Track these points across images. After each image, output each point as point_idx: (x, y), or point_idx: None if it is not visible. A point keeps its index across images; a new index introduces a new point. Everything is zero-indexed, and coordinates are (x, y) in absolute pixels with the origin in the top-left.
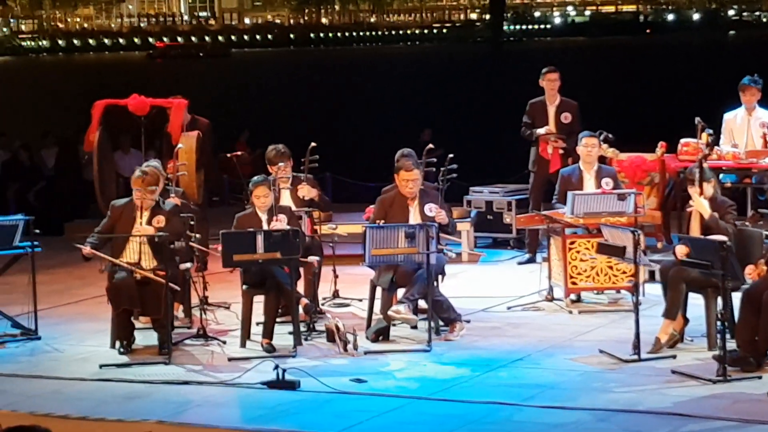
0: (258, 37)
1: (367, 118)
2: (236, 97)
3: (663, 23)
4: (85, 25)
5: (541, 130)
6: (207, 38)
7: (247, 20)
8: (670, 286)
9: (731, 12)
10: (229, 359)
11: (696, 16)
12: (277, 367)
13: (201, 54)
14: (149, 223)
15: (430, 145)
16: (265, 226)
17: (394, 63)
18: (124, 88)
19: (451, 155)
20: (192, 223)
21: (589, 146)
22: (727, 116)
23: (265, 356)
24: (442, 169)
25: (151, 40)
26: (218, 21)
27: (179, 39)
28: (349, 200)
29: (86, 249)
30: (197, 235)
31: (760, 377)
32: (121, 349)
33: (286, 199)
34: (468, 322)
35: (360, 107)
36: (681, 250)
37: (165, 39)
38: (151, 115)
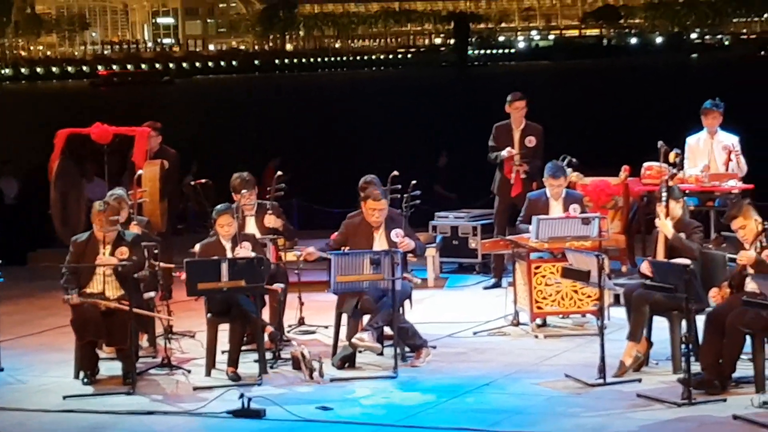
0: (222, 63)
1: (333, 144)
2: (198, 123)
3: (626, 47)
4: (49, 52)
5: (504, 152)
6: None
7: (211, 47)
8: (634, 309)
9: (694, 35)
10: (194, 388)
11: (659, 40)
12: (242, 395)
13: (150, 81)
14: (112, 254)
15: (395, 172)
16: (229, 254)
17: (359, 88)
18: (82, 117)
19: (414, 181)
20: (156, 251)
21: (555, 186)
22: (690, 140)
23: (230, 385)
24: (405, 195)
25: (100, 67)
26: (182, 47)
27: (128, 66)
28: (315, 227)
29: (74, 299)
30: (161, 264)
31: (725, 400)
32: (85, 380)
33: (251, 227)
34: (434, 347)
35: (326, 133)
36: (645, 266)
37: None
38: (114, 144)
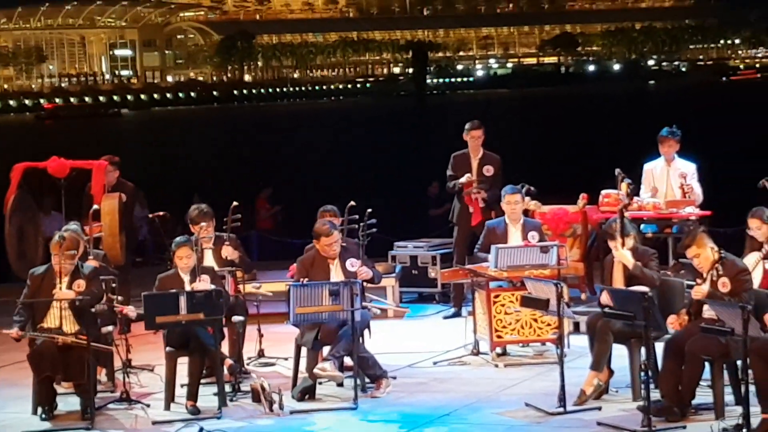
0: (181, 94)
1: (292, 174)
2: (154, 156)
3: (584, 74)
4: (6, 86)
5: (462, 179)
6: (129, 97)
7: (169, 78)
8: (598, 339)
9: (651, 62)
10: (153, 423)
11: (616, 67)
12: (201, 429)
13: (96, 113)
14: (69, 287)
15: (352, 203)
16: (187, 287)
17: (318, 118)
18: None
19: (369, 210)
20: (114, 285)
21: (512, 203)
22: (647, 166)
23: (189, 418)
24: (360, 224)
25: (42, 101)
26: (140, 79)
27: (72, 100)
28: (275, 258)
29: (13, 332)
30: (119, 297)
31: (684, 427)
32: (43, 416)
33: (208, 259)
34: (394, 378)
35: (284, 162)
36: (604, 297)
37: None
38: (71, 178)
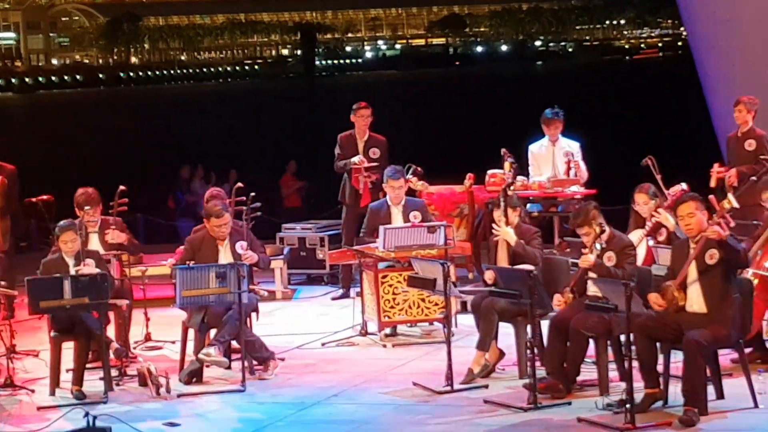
0: (66, 77)
1: (179, 158)
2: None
3: (472, 55)
4: None
5: (355, 159)
6: (14, 80)
7: (54, 61)
8: (482, 318)
9: (538, 43)
10: (38, 408)
11: (504, 48)
12: (87, 414)
13: None
14: None
15: (240, 184)
16: (72, 271)
17: (206, 100)
18: None
19: (253, 193)
20: None
21: (396, 188)
22: (532, 147)
23: (75, 403)
24: (244, 208)
25: None
26: (25, 62)
27: None
28: (161, 241)
29: None
30: (3, 282)
31: (569, 403)
32: None
33: (94, 243)
34: (282, 360)
35: (172, 146)
36: (489, 275)
37: None
38: None
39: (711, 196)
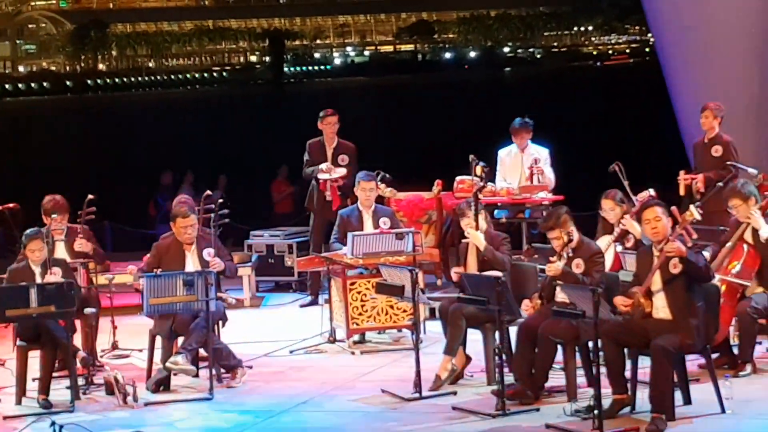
0: (33, 85)
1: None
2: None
3: (440, 62)
4: None
5: (323, 166)
6: None
7: (21, 68)
8: (450, 323)
9: (506, 49)
10: (4, 417)
11: (472, 54)
12: (53, 423)
13: None
14: None
15: (208, 192)
16: (39, 280)
17: (174, 107)
18: None
19: (221, 200)
20: None
21: (367, 190)
22: (501, 153)
23: (41, 413)
24: (212, 215)
25: None
26: None
27: None
28: (129, 248)
29: None
30: None
31: (538, 409)
32: None
33: (61, 252)
34: (250, 367)
35: (140, 154)
36: (456, 271)
37: None
38: None
39: (673, 208)
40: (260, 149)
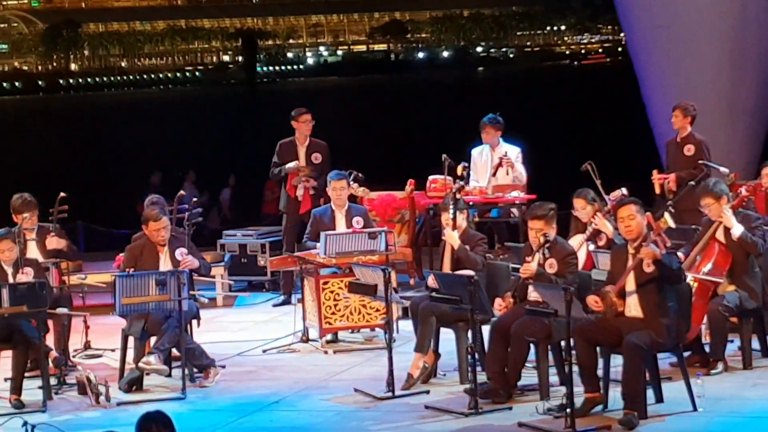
0: (5, 84)
1: (119, 164)
2: None
3: (413, 61)
4: None
5: (290, 165)
6: None
7: None
8: (421, 321)
9: (479, 49)
10: None
11: (446, 54)
12: (26, 423)
13: None
14: None
15: (182, 192)
16: (10, 280)
17: (146, 107)
18: None
19: (195, 198)
20: None
21: (338, 189)
22: (474, 152)
23: (13, 413)
24: (186, 213)
25: None
26: None
27: None
28: (101, 248)
29: None
30: None
31: (510, 408)
32: None
33: (32, 251)
34: (223, 367)
35: (112, 153)
36: (431, 280)
37: None
38: None
39: (648, 214)
40: (235, 149)
